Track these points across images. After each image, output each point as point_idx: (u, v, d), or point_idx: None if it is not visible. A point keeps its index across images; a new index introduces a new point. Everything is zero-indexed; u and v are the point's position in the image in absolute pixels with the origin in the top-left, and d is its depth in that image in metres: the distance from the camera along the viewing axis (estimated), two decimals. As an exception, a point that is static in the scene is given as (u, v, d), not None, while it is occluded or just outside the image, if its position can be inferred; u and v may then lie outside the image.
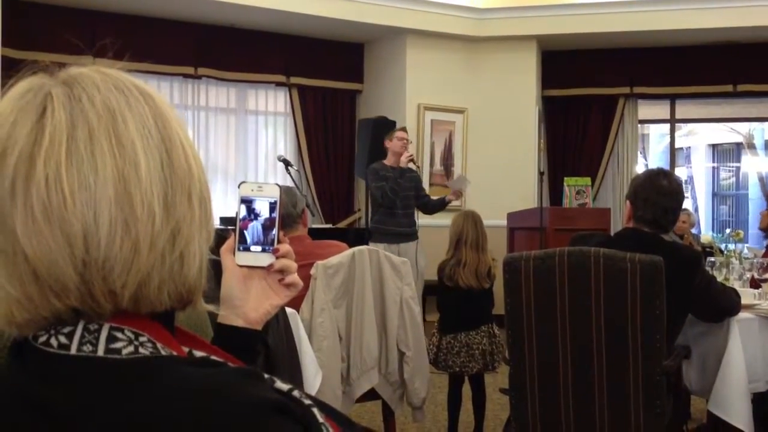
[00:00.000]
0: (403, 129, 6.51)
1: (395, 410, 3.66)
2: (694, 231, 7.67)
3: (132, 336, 0.75)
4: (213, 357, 0.83)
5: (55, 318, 0.74)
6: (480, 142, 8.49)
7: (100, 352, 0.73)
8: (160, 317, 0.79)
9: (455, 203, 8.11)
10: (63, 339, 0.73)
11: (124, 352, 0.73)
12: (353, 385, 3.38)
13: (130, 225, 0.73)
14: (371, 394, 3.54)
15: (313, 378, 2.97)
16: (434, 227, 6.69)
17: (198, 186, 0.81)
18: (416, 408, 3.66)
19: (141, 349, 0.74)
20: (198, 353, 0.85)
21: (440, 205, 6.39)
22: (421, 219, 6.52)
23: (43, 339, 0.74)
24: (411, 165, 6.17)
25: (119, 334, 0.74)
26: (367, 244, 5.27)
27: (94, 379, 0.71)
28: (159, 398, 0.69)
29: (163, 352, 0.75)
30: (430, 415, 4.50)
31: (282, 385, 0.75)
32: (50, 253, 0.71)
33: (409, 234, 6.24)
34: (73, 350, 0.73)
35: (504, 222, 7.38)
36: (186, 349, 0.83)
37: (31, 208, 0.71)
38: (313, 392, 2.85)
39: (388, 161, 6.21)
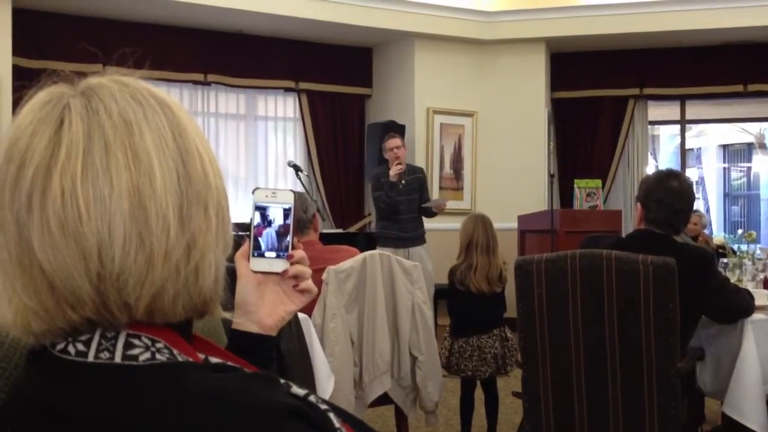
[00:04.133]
0: (393, 136, 6.39)
1: (408, 414, 3.66)
2: (705, 232, 7.63)
3: (149, 342, 0.75)
4: (229, 363, 0.83)
5: (71, 328, 0.74)
6: (490, 145, 8.48)
7: (118, 359, 0.73)
8: (178, 324, 0.79)
9: (464, 206, 8.14)
10: (81, 346, 0.74)
11: (141, 358, 0.73)
12: (366, 390, 3.38)
13: (145, 238, 0.74)
14: (384, 399, 3.54)
15: (326, 383, 2.97)
16: (440, 231, 6.68)
17: (215, 196, 0.81)
18: (429, 412, 3.66)
19: (158, 356, 0.74)
20: (214, 359, 0.85)
21: (428, 212, 6.33)
22: (427, 223, 6.50)
23: (60, 347, 0.74)
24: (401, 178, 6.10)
25: (136, 341, 0.75)
26: (374, 248, 5.28)
27: (112, 386, 0.71)
28: (176, 403, 0.69)
29: (179, 358, 0.75)
30: (442, 419, 4.50)
31: (298, 390, 0.75)
32: (66, 267, 0.72)
33: (415, 238, 6.21)
34: (91, 357, 0.73)
35: (515, 225, 7.36)
36: (202, 356, 0.83)
37: (47, 222, 0.72)
38: (325, 397, 2.85)
39: (390, 165, 6.22)
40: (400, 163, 6.09)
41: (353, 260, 3.33)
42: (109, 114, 0.76)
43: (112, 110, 0.76)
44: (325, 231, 7.06)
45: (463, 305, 4.13)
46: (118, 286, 0.73)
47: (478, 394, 4.23)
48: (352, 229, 8.37)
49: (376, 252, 3.46)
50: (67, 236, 0.72)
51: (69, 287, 0.72)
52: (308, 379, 2.83)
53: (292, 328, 2.73)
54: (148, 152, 0.75)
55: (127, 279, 0.73)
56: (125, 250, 0.73)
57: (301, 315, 2.91)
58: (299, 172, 6.12)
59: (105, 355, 0.73)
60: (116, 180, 0.73)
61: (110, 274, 0.73)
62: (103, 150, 0.74)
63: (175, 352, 0.76)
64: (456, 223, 4.55)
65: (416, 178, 6.28)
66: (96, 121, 0.75)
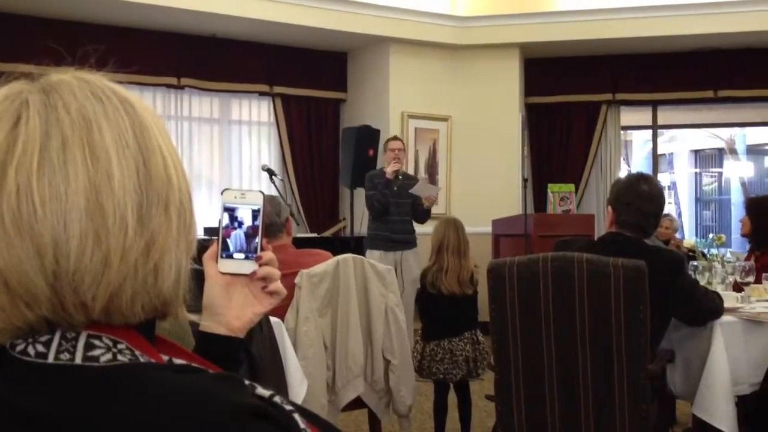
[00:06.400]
0: (395, 138, 6.48)
1: (381, 418, 3.65)
2: (677, 236, 7.71)
3: (110, 343, 0.74)
4: (193, 364, 0.82)
5: (28, 327, 0.73)
6: (464, 150, 8.51)
7: (78, 360, 0.72)
8: (140, 326, 0.78)
9: (439, 210, 8.16)
10: (40, 347, 0.73)
11: (102, 359, 0.72)
12: (339, 394, 3.38)
13: (101, 237, 0.72)
14: (357, 403, 3.53)
15: (299, 387, 2.96)
16: (423, 234, 6.68)
17: (177, 196, 0.80)
18: (402, 416, 3.66)
19: (119, 356, 0.73)
20: (178, 361, 0.84)
21: (423, 213, 6.37)
22: (415, 227, 6.52)
23: (20, 347, 0.73)
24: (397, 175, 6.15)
25: (97, 342, 0.74)
26: (353, 252, 5.27)
27: (72, 388, 0.70)
28: (137, 405, 0.68)
29: (141, 360, 0.75)
30: (416, 423, 4.50)
31: (263, 391, 0.75)
32: (20, 264, 0.71)
33: (406, 241, 6.24)
34: (51, 359, 0.72)
35: (489, 229, 7.40)
36: (166, 357, 0.83)
37: (2, 218, 0.71)
38: (298, 401, 2.84)
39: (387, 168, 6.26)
40: (398, 162, 6.14)
41: (326, 264, 3.33)
42: (67, 110, 0.75)
43: (71, 106, 0.75)
44: (299, 235, 7.05)
45: (434, 308, 4.13)
46: (74, 285, 0.72)
47: (452, 397, 4.24)
48: (327, 233, 8.36)
49: (349, 255, 3.46)
50: (22, 234, 0.71)
51: (24, 285, 0.71)
52: (281, 383, 2.82)
53: (264, 332, 2.72)
54: (106, 150, 0.74)
55: (82, 277, 0.72)
56: (81, 248, 0.72)
57: (273, 319, 2.90)
58: (273, 177, 6.10)
59: (65, 356, 0.72)
60: (73, 177, 0.72)
61: (66, 273, 0.72)
62: (60, 146, 0.73)
63: (137, 353, 0.75)
64: (431, 228, 4.56)
65: (411, 184, 6.33)
66: (54, 118, 0.74)
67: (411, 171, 8.23)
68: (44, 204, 0.71)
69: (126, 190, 0.74)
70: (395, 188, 6.16)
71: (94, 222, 0.72)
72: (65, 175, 0.72)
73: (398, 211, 6.17)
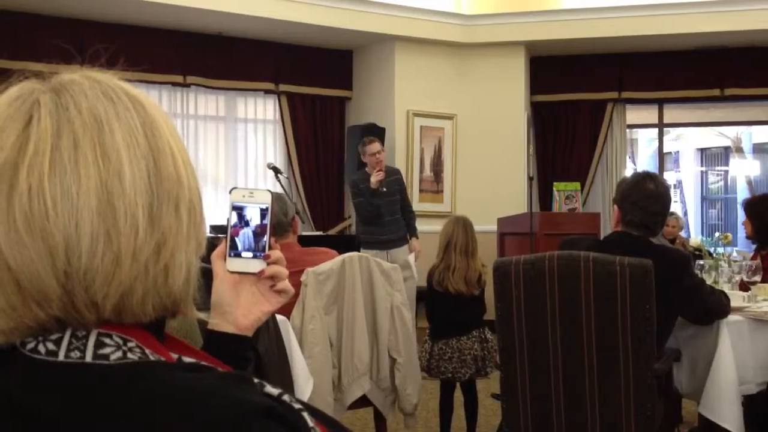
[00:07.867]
0: (373, 140, 6.32)
1: (387, 417, 3.66)
2: (683, 234, 7.69)
3: (120, 341, 0.74)
4: (202, 363, 0.83)
5: (39, 326, 0.73)
6: (469, 148, 8.51)
7: (88, 358, 0.72)
8: (150, 324, 0.79)
9: (444, 208, 8.17)
10: (51, 346, 0.73)
11: (113, 357, 0.73)
12: (345, 392, 3.38)
13: (113, 237, 0.73)
14: (363, 401, 3.54)
15: (305, 385, 2.96)
16: (429, 233, 6.70)
17: (187, 195, 0.80)
18: (408, 414, 3.66)
19: (129, 355, 0.74)
20: (187, 359, 0.84)
21: (411, 229, 6.40)
22: (418, 225, 6.53)
23: (31, 346, 0.73)
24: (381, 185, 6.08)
25: (107, 340, 0.74)
26: (358, 250, 5.27)
27: (82, 385, 0.70)
28: (147, 402, 0.69)
29: (151, 358, 0.75)
30: (422, 421, 4.50)
31: (272, 390, 0.75)
32: (32, 264, 0.71)
33: (398, 239, 6.23)
34: (61, 356, 0.72)
35: (494, 227, 7.40)
36: (175, 356, 0.83)
37: (14, 219, 0.71)
38: (304, 399, 2.84)
39: (369, 170, 6.21)
40: (381, 170, 6.07)
41: (332, 262, 3.33)
42: (78, 110, 0.75)
43: (82, 106, 0.75)
44: (304, 233, 7.05)
45: (442, 306, 4.12)
46: (85, 285, 0.72)
47: (458, 396, 4.23)
48: (332, 231, 8.37)
49: (355, 254, 3.46)
50: (34, 234, 0.71)
51: (35, 285, 0.72)
52: (287, 381, 2.82)
53: (271, 329, 2.72)
54: (117, 150, 0.75)
55: (94, 277, 0.72)
56: (92, 248, 0.72)
57: (279, 317, 2.91)
58: (279, 174, 6.10)
59: (75, 354, 0.72)
60: (84, 177, 0.72)
61: (77, 272, 0.72)
62: (71, 146, 0.73)
63: (148, 351, 0.75)
64: (436, 226, 4.55)
65: (396, 179, 6.29)
66: (65, 118, 0.74)
67: (416, 170, 8.24)
68: (56, 204, 0.71)
69: (137, 189, 0.75)
70: (383, 189, 6.12)
71: (105, 222, 0.73)
72: (77, 175, 0.72)
73: (390, 211, 6.16)
